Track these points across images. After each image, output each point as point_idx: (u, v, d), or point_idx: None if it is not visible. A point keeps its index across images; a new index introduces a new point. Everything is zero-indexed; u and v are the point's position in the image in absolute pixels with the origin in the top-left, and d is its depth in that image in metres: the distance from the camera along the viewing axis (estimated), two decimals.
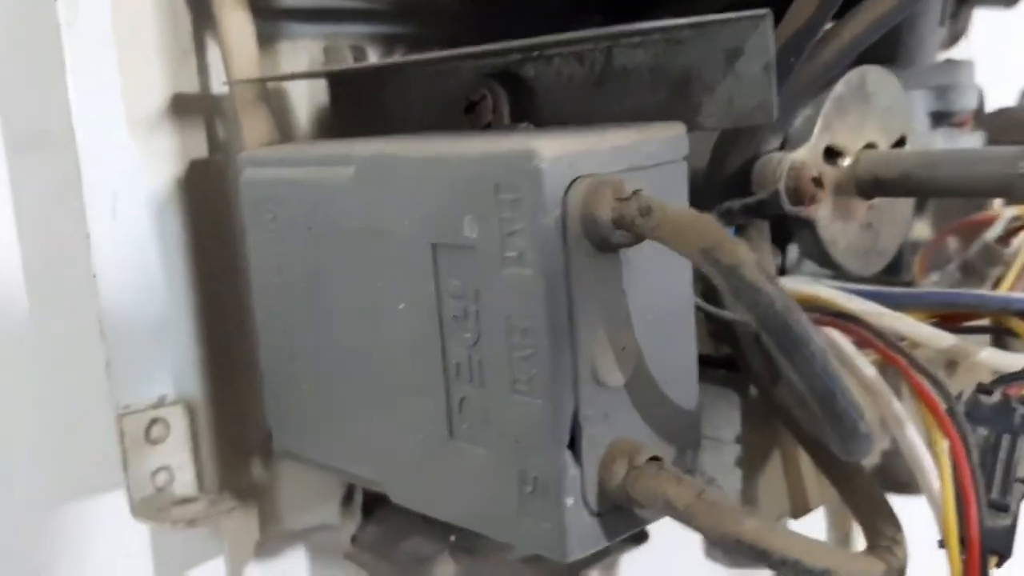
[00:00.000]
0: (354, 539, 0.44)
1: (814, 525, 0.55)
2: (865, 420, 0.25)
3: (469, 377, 0.30)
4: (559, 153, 0.26)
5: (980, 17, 0.58)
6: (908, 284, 0.44)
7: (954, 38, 0.61)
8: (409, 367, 0.31)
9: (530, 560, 0.42)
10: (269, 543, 0.48)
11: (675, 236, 0.25)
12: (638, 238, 0.27)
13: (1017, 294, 0.32)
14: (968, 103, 0.48)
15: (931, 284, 0.43)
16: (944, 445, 0.28)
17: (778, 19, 0.31)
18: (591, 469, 0.28)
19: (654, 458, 0.28)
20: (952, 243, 0.51)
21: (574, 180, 0.27)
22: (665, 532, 0.45)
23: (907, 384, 0.30)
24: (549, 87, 0.34)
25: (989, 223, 0.46)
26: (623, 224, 0.26)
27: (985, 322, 0.35)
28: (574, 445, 0.28)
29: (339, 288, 0.34)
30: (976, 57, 0.53)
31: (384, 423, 0.33)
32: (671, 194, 0.29)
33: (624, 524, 0.29)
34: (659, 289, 0.29)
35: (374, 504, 0.47)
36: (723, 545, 0.26)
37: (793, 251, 0.41)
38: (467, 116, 0.35)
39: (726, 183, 0.33)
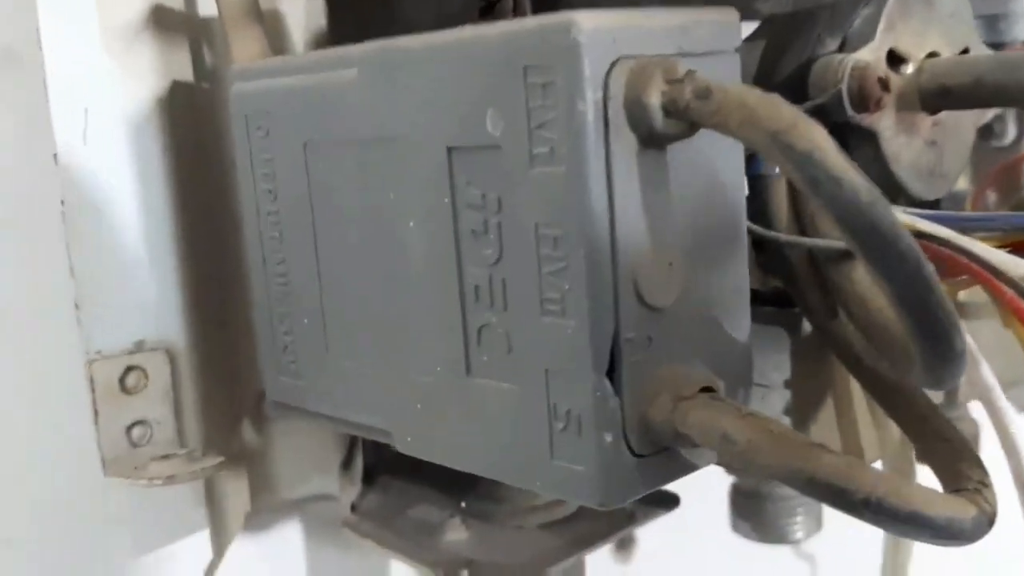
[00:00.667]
0: (354, 507, 0.40)
1: None
2: (962, 335, 0.21)
3: (490, 301, 0.26)
4: (600, 26, 0.22)
5: None
6: None
7: None
8: (420, 295, 0.27)
9: (548, 527, 0.39)
10: (260, 514, 0.44)
11: (740, 120, 0.21)
12: (692, 127, 0.23)
13: None
14: (1021, 33, 0.44)
15: None
16: None
17: None
18: (634, 401, 0.24)
19: (706, 388, 0.24)
20: (992, 198, 0.47)
21: (617, 59, 0.23)
22: (689, 503, 0.42)
23: (1000, 302, 0.26)
24: None
25: None
26: (675, 110, 0.22)
27: None
28: (613, 373, 0.24)
29: (340, 210, 0.30)
30: None
31: (392, 363, 0.29)
32: (728, 78, 0.25)
33: (671, 469, 0.25)
34: (709, 198, 0.25)
35: (375, 472, 0.44)
36: (794, 484, 0.22)
37: None
38: (483, 20, 0.31)
39: (780, 88, 0.29)
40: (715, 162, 0.25)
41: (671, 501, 0.40)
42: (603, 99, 0.22)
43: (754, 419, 0.23)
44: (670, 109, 0.22)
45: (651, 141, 0.23)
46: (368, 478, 0.43)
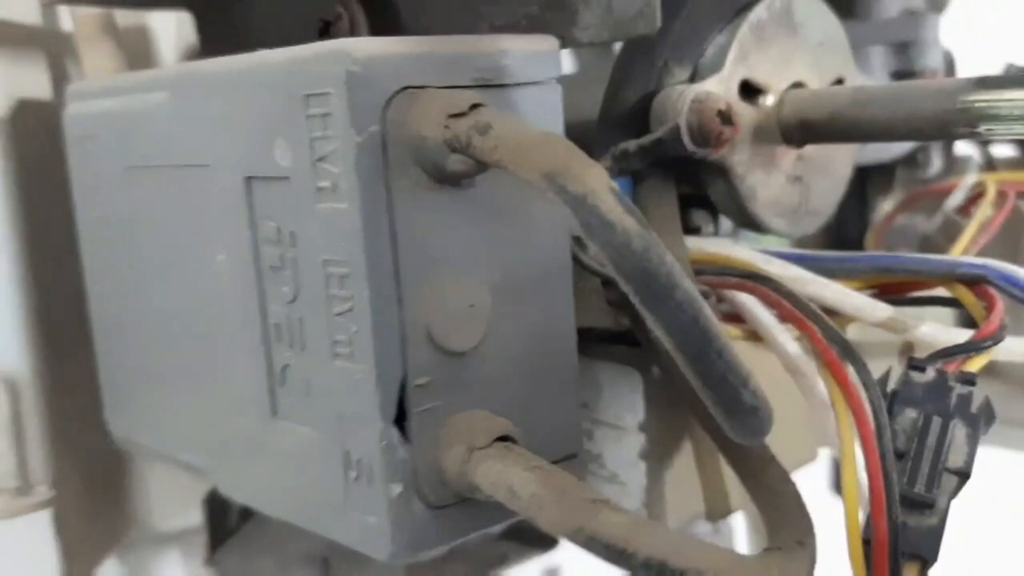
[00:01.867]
0: (217, 545, 0.39)
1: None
2: (751, 389, 0.20)
3: (290, 341, 0.24)
4: (377, 55, 0.21)
5: None
6: None
7: (936, 8, 0.56)
8: (230, 332, 0.26)
9: (416, 568, 0.37)
10: (137, 547, 0.42)
11: (516, 159, 0.20)
12: (477, 164, 0.21)
13: (964, 258, 0.27)
14: (932, 62, 0.43)
15: None
16: (850, 423, 0.23)
17: None
18: (425, 450, 0.22)
19: (505, 438, 0.23)
20: (919, 221, 0.46)
21: (400, 90, 0.21)
22: None
23: (815, 352, 0.24)
24: (412, 3, 0.29)
25: (949, 192, 0.41)
26: (458, 146, 0.21)
27: (940, 292, 0.29)
28: (404, 420, 0.22)
29: (158, 240, 0.28)
30: (956, 30, 0.49)
31: (210, 401, 0.28)
32: (539, 122, 0.24)
33: (474, 521, 0.24)
34: (525, 237, 0.24)
35: None
36: (576, 541, 0.20)
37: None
38: (321, 40, 0.30)
39: (623, 121, 0.28)
40: (537, 198, 0.24)
41: (548, 542, 0.38)
42: (380, 132, 0.21)
43: (541, 472, 0.21)
44: (454, 145, 0.21)
45: (440, 177, 0.22)
46: (247, 510, 0.42)
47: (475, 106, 0.21)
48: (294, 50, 0.23)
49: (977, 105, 0.25)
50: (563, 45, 0.24)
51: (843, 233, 0.45)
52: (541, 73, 0.24)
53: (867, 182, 0.45)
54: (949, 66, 0.47)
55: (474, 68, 0.23)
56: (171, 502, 0.39)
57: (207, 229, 0.26)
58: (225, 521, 0.40)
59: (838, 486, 0.52)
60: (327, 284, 0.23)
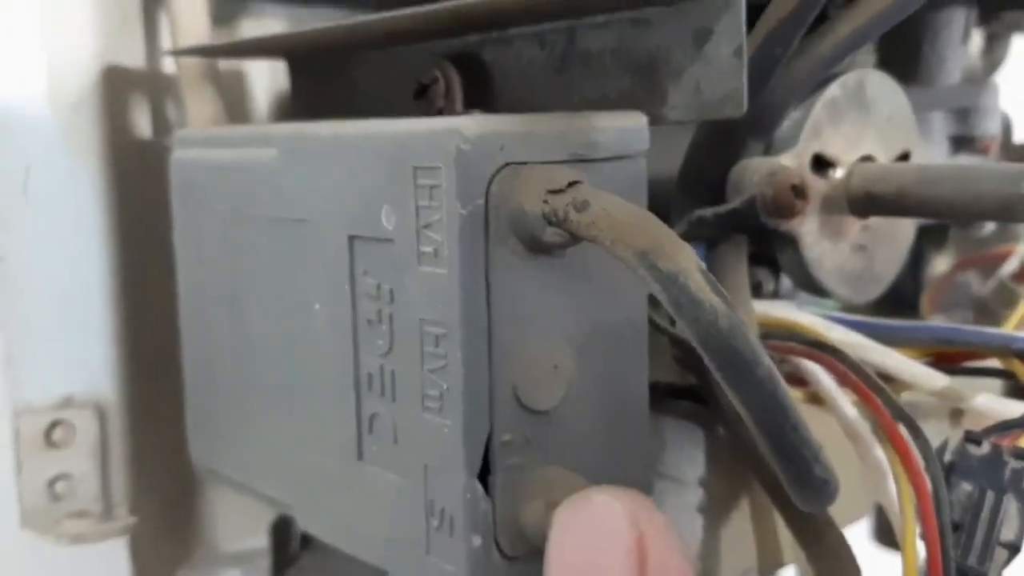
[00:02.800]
0: (281, 570, 0.40)
1: None
2: (823, 463, 0.21)
3: (381, 391, 0.26)
4: (485, 133, 0.23)
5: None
6: None
7: (991, 66, 0.57)
8: (322, 376, 0.28)
9: None
10: (199, 568, 0.44)
11: (611, 236, 0.21)
12: (573, 237, 0.23)
13: (1021, 333, 0.28)
14: (991, 128, 0.44)
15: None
16: (911, 495, 0.24)
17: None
18: (506, 504, 0.24)
19: None
20: (973, 281, 0.47)
21: (504, 166, 0.23)
22: None
23: (879, 425, 0.25)
24: (508, 71, 0.30)
25: (1005, 258, 0.42)
26: (555, 220, 0.22)
27: (993, 364, 0.31)
28: (487, 475, 0.24)
29: (258, 284, 0.30)
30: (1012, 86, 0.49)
31: (296, 440, 0.29)
32: (626, 194, 0.25)
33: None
34: (607, 302, 0.25)
35: None
36: None
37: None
38: (418, 101, 0.31)
39: (700, 190, 0.29)
40: (616, 266, 0.25)
41: None
42: (484, 205, 0.23)
43: None
44: (551, 219, 0.22)
45: (536, 248, 0.23)
46: (309, 537, 0.43)
47: (573, 183, 0.23)
48: (406, 123, 0.24)
49: None
50: (651, 122, 0.26)
51: (899, 291, 0.46)
52: (630, 148, 0.25)
53: (921, 238, 0.46)
54: (1007, 130, 0.48)
55: (571, 144, 0.24)
56: (238, 525, 0.41)
57: (307, 279, 0.28)
58: (288, 546, 0.42)
59: (880, 536, 0.52)
60: (422, 341, 0.24)
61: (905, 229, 0.33)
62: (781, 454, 0.21)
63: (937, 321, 0.43)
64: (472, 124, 0.23)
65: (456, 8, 0.26)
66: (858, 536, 0.49)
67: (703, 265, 0.21)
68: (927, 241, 0.47)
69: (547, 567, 0.20)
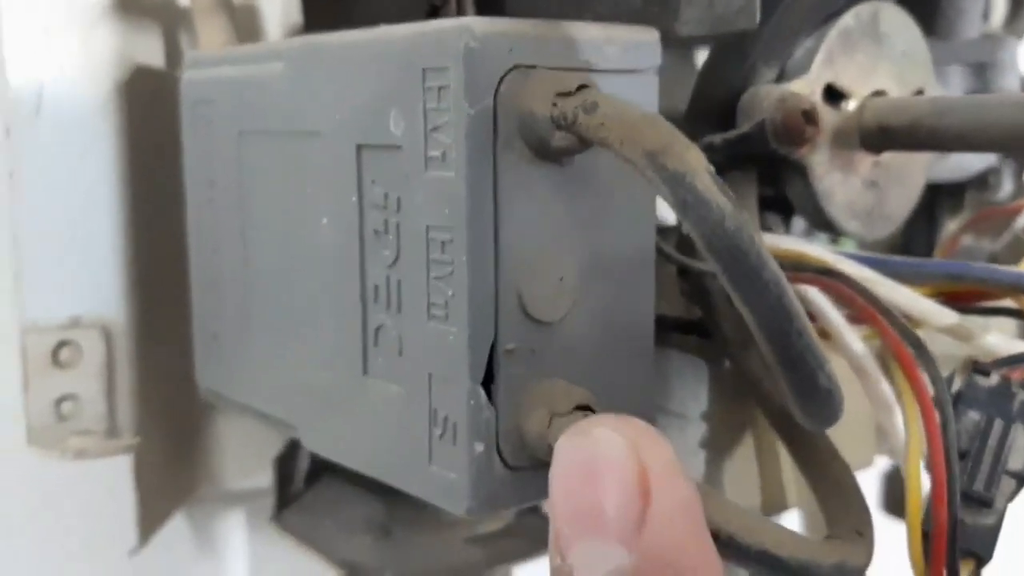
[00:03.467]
0: (290, 502, 0.40)
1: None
2: (827, 372, 0.21)
3: (387, 302, 0.26)
4: (495, 32, 0.22)
5: None
6: None
7: (1016, 32, 0.56)
8: (328, 292, 0.28)
9: (473, 540, 0.38)
10: (204, 504, 0.44)
11: (620, 136, 0.21)
12: (581, 141, 0.23)
13: None
14: (1009, 83, 0.43)
15: None
16: (917, 415, 0.23)
17: None
18: (509, 412, 0.24)
19: (584, 407, 0.24)
20: (986, 242, 0.46)
21: (511, 68, 0.23)
22: None
23: (886, 347, 0.25)
24: None
25: (1017, 212, 0.41)
26: (564, 123, 0.22)
27: (1006, 303, 0.30)
28: (491, 383, 0.24)
29: (265, 202, 0.30)
30: None
31: (302, 359, 0.29)
32: (640, 97, 0.25)
33: (545, 484, 0.25)
34: (614, 221, 0.25)
35: (321, 468, 0.44)
36: None
37: (800, 224, 0.37)
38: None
39: (711, 116, 0.29)
40: (628, 183, 0.25)
41: None
42: (492, 106, 0.23)
43: None
44: (560, 122, 0.22)
45: (544, 153, 0.23)
46: (314, 475, 0.43)
47: (582, 87, 0.22)
48: (415, 26, 0.24)
49: None
50: (664, 38, 0.26)
51: (911, 251, 0.46)
52: (642, 62, 0.25)
53: (937, 201, 0.46)
54: None
55: (582, 53, 0.24)
56: (243, 462, 0.41)
57: (315, 193, 0.28)
58: (291, 485, 0.42)
59: (888, 505, 0.52)
60: (428, 249, 0.24)
61: (917, 168, 0.33)
62: (786, 360, 0.21)
63: None
64: (482, 23, 0.22)
65: None
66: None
67: (711, 167, 0.21)
68: (942, 206, 0.46)
69: (551, 503, 0.19)
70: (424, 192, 0.24)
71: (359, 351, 0.27)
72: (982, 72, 0.43)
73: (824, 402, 0.22)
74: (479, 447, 0.24)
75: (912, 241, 0.46)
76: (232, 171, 0.31)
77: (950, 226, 0.47)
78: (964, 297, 0.30)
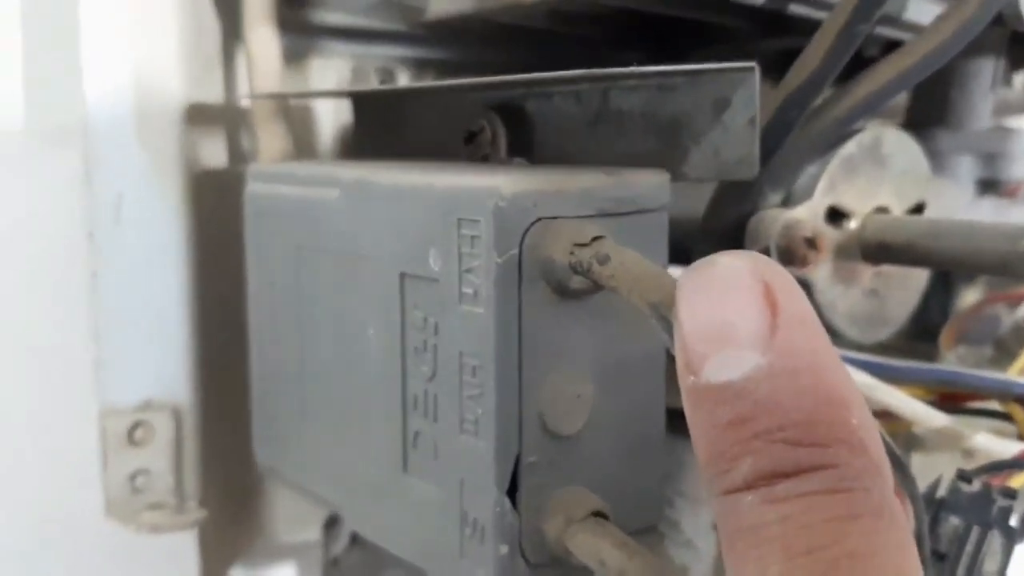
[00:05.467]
0: (335, 562, 0.44)
1: None
2: None
3: (424, 411, 0.29)
4: (520, 191, 0.26)
5: None
6: (933, 354, 0.42)
7: None
8: (373, 394, 0.31)
9: None
10: (256, 556, 0.48)
11: (628, 287, 0.24)
12: (595, 285, 0.26)
13: (1019, 378, 0.30)
14: (1017, 172, 0.46)
15: (955, 358, 0.41)
16: None
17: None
18: (530, 518, 0.27)
19: (599, 513, 0.27)
20: (1003, 315, 0.48)
21: (536, 220, 0.26)
22: None
23: None
24: (548, 123, 0.33)
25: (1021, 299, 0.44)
26: (580, 270, 0.25)
27: (995, 405, 0.33)
28: (515, 491, 0.27)
29: (321, 308, 0.33)
30: None
31: (349, 449, 0.33)
32: (648, 245, 0.28)
33: None
34: (627, 338, 0.28)
35: None
36: None
37: None
38: (467, 146, 0.35)
39: (721, 236, 0.32)
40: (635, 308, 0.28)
41: None
42: (518, 255, 0.26)
43: (630, 548, 0.26)
44: (576, 268, 0.25)
45: (562, 292, 0.26)
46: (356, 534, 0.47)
47: (597, 238, 0.26)
48: (454, 176, 0.28)
49: None
50: (673, 179, 0.29)
51: (926, 315, 0.48)
52: (653, 202, 0.28)
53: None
54: None
55: (598, 200, 0.27)
56: (294, 519, 0.45)
57: (363, 307, 0.31)
58: (338, 540, 0.45)
59: None
60: (461, 371, 0.27)
61: (918, 274, 0.35)
62: None
63: (961, 350, 0.45)
64: (509, 183, 0.26)
65: (505, 79, 0.29)
66: None
67: None
68: (959, 273, 0.49)
69: (678, 328, 0.19)
70: (458, 322, 0.27)
71: (400, 451, 0.30)
72: (992, 162, 0.46)
73: None
74: (504, 548, 0.27)
75: (928, 307, 0.48)
76: (291, 277, 0.34)
77: (966, 295, 0.50)
78: (956, 398, 0.33)
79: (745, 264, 0.19)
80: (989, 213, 0.46)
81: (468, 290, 0.27)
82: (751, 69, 0.26)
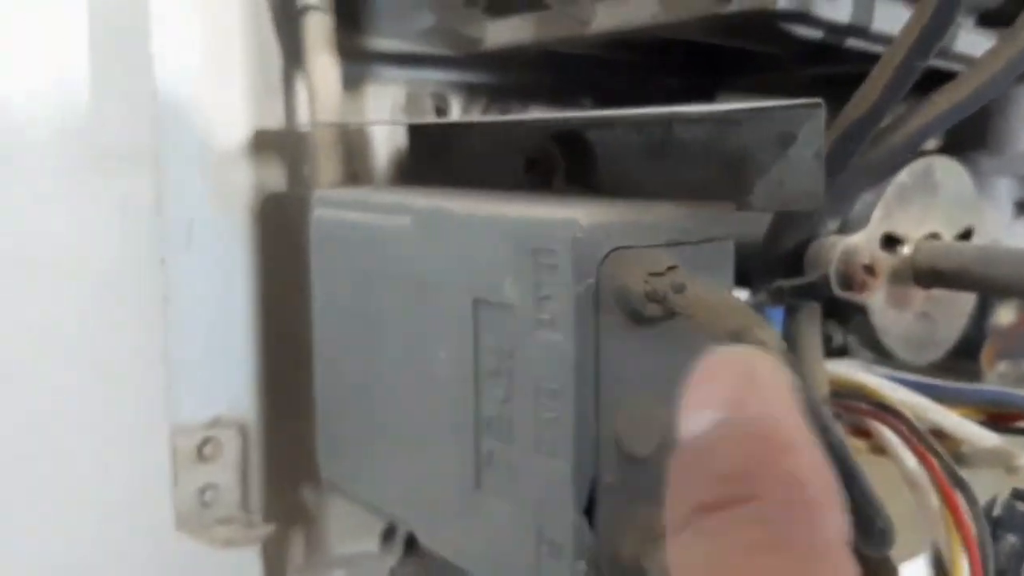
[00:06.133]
0: (392, 572, 0.45)
1: None
2: (884, 517, 0.25)
3: (499, 432, 0.30)
4: (597, 223, 0.27)
5: None
6: (975, 371, 0.43)
7: None
8: (445, 414, 0.32)
9: None
10: (315, 568, 0.49)
11: (704, 316, 0.26)
12: (670, 313, 0.27)
13: None
14: None
15: (997, 376, 0.42)
16: (961, 551, 0.27)
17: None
18: (607, 536, 0.28)
19: None
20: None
21: (611, 251, 0.27)
22: None
23: (934, 483, 0.29)
24: (609, 152, 0.34)
25: None
26: (655, 298, 0.27)
27: None
28: (592, 511, 0.28)
29: (389, 331, 0.35)
30: None
31: (419, 466, 0.34)
32: (715, 272, 0.29)
33: None
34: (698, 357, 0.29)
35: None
36: None
37: None
38: (527, 174, 0.36)
39: (780, 262, 0.33)
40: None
41: None
42: (595, 284, 0.27)
43: None
44: (652, 297, 0.27)
45: (638, 319, 0.27)
46: (411, 544, 0.48)
47: (671, 267, 0.27)
48: (526, 208, 0.29)
49: None
50: (737, 209, 0.30)
51: (965, 333, 0.49)
52: (719, 232, 0.29)
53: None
54: None
55: (669, 231, 0.28)
56: (350, 530, 0.46)
57: (434, 331, 0.32)
58: (393, 551, 0.46)
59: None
60: (537, 395, 0.28)
61: (967, 297, 0.36)
62: (850, 508, 0.25)
63: (997, 370, 0.46)
64: (585, 215, 0.27)
65: (569, 116, 0.31)
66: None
67: (785, 346, 0.25)
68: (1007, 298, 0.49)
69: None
70: (535, 348, 0.28)
71: (472, 468, 0.31)
72: None
73: (880, 540, 0.25)
74: (581, 566, 0.28)
75: (967, 329, 0.49)
76: (358, 300, 0.36)
77: (1001, 314, 0.51)
78: (1005, 418, 0.34)
79: (743, 351, 0.22)
80: None
81: (545, 317, 0.28)
82: (818, 105, 0.27)
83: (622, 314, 0.27)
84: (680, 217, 0.28)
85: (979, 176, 0.45)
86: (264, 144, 0.41)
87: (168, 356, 0.38)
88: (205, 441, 0.39)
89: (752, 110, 0.29)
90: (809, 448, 0.19)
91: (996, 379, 0.42)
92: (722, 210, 0.29)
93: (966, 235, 0.36)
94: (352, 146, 0.43)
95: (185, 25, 0.39)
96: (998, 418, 0.33)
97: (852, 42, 0.34)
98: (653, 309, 0.27)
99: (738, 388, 0.20)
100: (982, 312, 0.49)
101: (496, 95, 0.47)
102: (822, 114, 0.28)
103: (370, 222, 0.35)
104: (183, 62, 0.38)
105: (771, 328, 0.25)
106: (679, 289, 0.26)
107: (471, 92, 0.47)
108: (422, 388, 0.33)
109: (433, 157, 0.43)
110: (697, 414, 0.21)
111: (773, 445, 0.19)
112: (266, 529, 0.38)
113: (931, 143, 0.47)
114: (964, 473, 0.34)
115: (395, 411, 0.35)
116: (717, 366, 0.21)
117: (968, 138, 0.46)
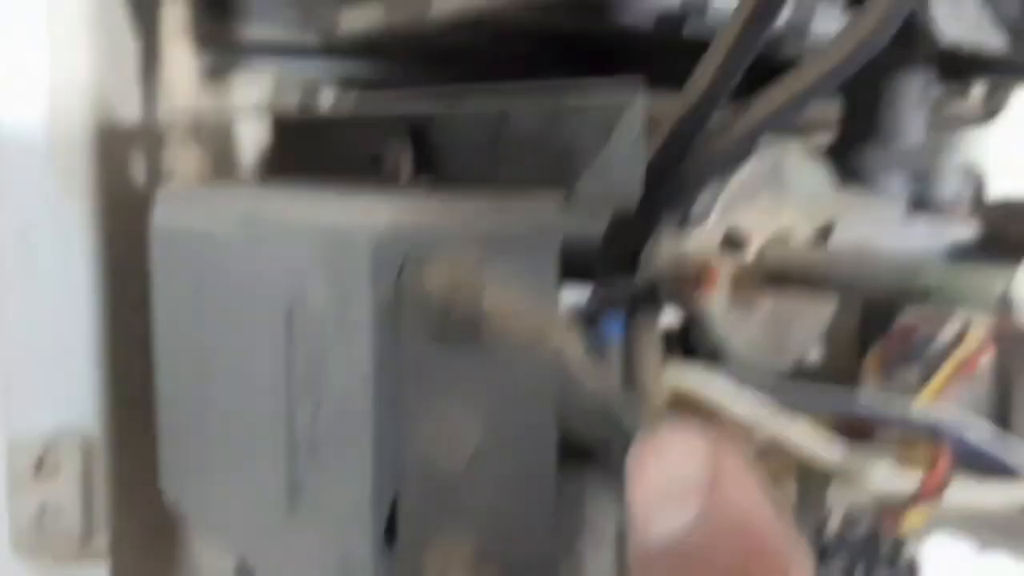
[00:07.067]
0: None
1: None
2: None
3: (308, 451, 0.28)
4: (395, 228, 0.25)
5: None
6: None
7: (990, 114, 0.58)
8: (264, 433, 0.30)
9: None
10: None
11: (507, 322, 0.24)
12: (473, 321, 0.25)
13: (917, 410, 0.29)
14: (949, 190, 0.45)
15: (879, 383, 0.40)
16: None
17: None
18: (407, 558, 0.26)
19: (480, 553, 0.26)
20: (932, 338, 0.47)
21: (411, 258, 0.25)
22: None
23: None
24: (451, 145, 0.33)
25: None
26: (458, 305, 0.25)
27: None
28: (392, 533, 0.26)
29: (219, 343, 0.33)
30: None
31: (242, 491, 0.32)
32: (535, 271, 0.27)
33: None
34: (512, 373, 0.28)
35: None
36: None
37: None
38: (375, 166, 0.34)
39: (620, 262, 0.32)
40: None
41: None
42: (395, 290, 0.25)
43: None
44: (454, 304, 0.25)
45: (443, 326, 0.26)
46: None
47: (476, 273, 0.25)
48: (339, 209, 0.27)
49: (924, 284, 0.27)
50: (564, 203, 0.28)
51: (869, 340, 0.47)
52: (539, 228, 0.27)
53: None
54: (978, 190, 0.49)
55: (480, 231, 0.26)
56: (214, 558, 0.44)
57: (254, 342, 0.30)
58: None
59: None
60: (340, 410, 0.27)
61: (822, 304, 0.34)
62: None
63: (888, 375, 0.44)
64: (387, 218, 0.25)
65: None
66: None
67: (584, 348, 0.23)
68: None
69: (631, 491, 0.21)
70: (338, 361, 0.26)
71: (286, 493, 0.29)
72: (923, 178, 0.45)
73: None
74: None
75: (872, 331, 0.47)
76: (188, 308, 0.34)
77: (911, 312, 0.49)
78: (861, 430, 0.32)
79: (693, 434, 0.21)
80: (923, 231, 0.45)
81: (347, 327, 0.26)
82: (635, 86, 0.26)
83: (425, 322, 0.26)
84: (494, 213, 0.27)
85: (869, 171, 0.43)
86: (118, 140, 0.39)
87: (3, 365, 0.36)
88: (43, 456, 0.37)
89: (573, 96, 0.28)
90: (795, 554, 0.20)
91: (877, 387, 0.40)
92: (545, 205, 0.28)
93: (826, 232, 0.34)
94: (216, 139, 0.41)
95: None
96: (855, 430, 0.32)
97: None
98: (459, 316, 0.25)
99: (707, 477, 0.20)
100: (890, 313, 0.48)
101: (368, 88, 0.45)
102: (640, 97, 0.26)
103: (200, 227, 0.33)
104: (23, 52, 0.36)
105: (573, 338, 0.23)
106: (480, 297, 0.25)
107: (343, 84, 0.45)
108: (244, 400, 0.31)
109: (295, 151, 0.41)
110: (668, 510, 0.20)
111: (766, 552, 0.19)
112: (103, 546, 0.36)
113: (824, 138, 0.46)
114: (807, 491, 0.32)
115: (224, 431, 0.33)
116: (675, 447, 0.21)
117: (857, 131, 0.44)
